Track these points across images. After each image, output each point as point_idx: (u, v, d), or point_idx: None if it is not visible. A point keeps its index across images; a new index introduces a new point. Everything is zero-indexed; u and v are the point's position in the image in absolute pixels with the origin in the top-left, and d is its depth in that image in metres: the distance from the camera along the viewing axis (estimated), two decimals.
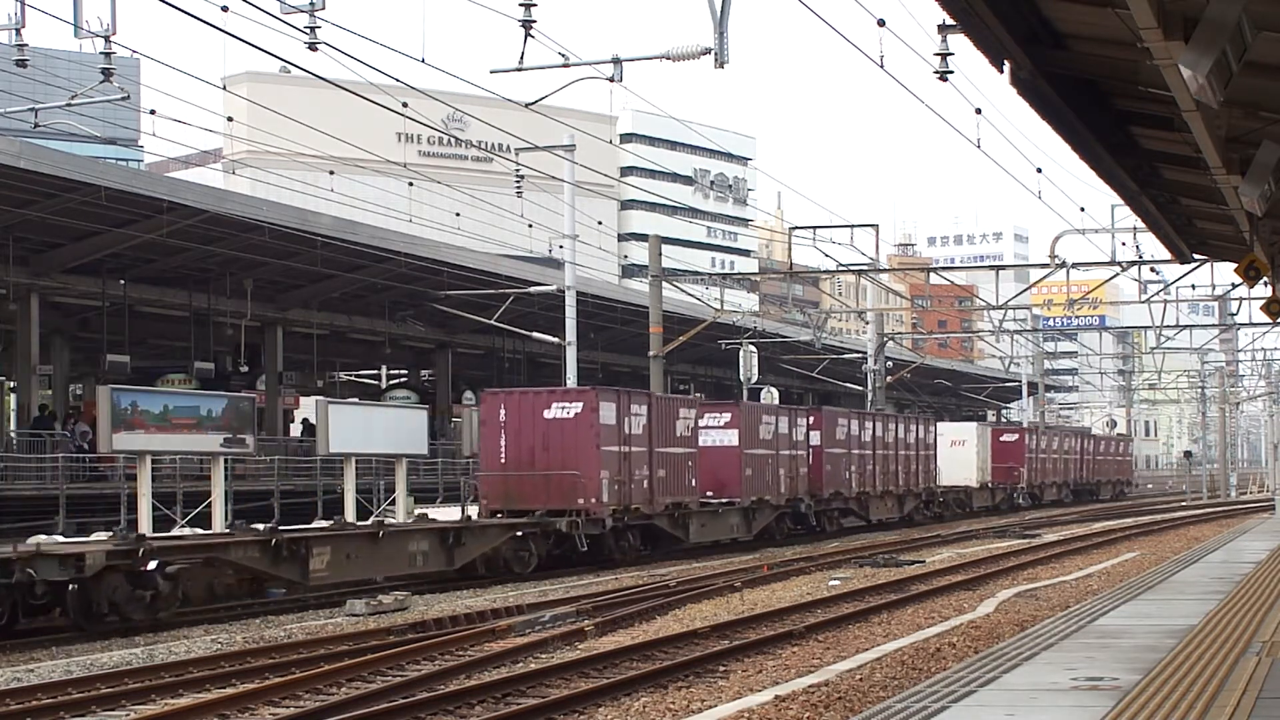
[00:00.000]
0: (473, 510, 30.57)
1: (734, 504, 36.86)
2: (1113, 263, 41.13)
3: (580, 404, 30.52)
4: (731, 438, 36.95)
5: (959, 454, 57.50)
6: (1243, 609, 15.35)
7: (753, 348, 48.95)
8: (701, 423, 35.95)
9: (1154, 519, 50.99)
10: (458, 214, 47.61)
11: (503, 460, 30.66)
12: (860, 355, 56.11)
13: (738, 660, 15.96)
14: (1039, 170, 52.11)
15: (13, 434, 35.15)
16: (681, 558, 33.18)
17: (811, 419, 42.35)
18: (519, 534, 29.18)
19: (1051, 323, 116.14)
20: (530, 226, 45.27)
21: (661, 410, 33.10)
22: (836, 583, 25.84)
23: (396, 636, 18.52)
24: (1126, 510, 63.15)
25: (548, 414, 30.51)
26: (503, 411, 30.81)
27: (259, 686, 14.50)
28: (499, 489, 30.62)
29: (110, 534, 21.95)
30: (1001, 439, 62.73)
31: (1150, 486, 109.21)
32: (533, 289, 39.81)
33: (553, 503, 30.09)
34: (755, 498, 37.88)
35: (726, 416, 37.36)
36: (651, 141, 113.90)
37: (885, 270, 54.53)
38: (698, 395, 34.78)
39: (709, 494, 36.04)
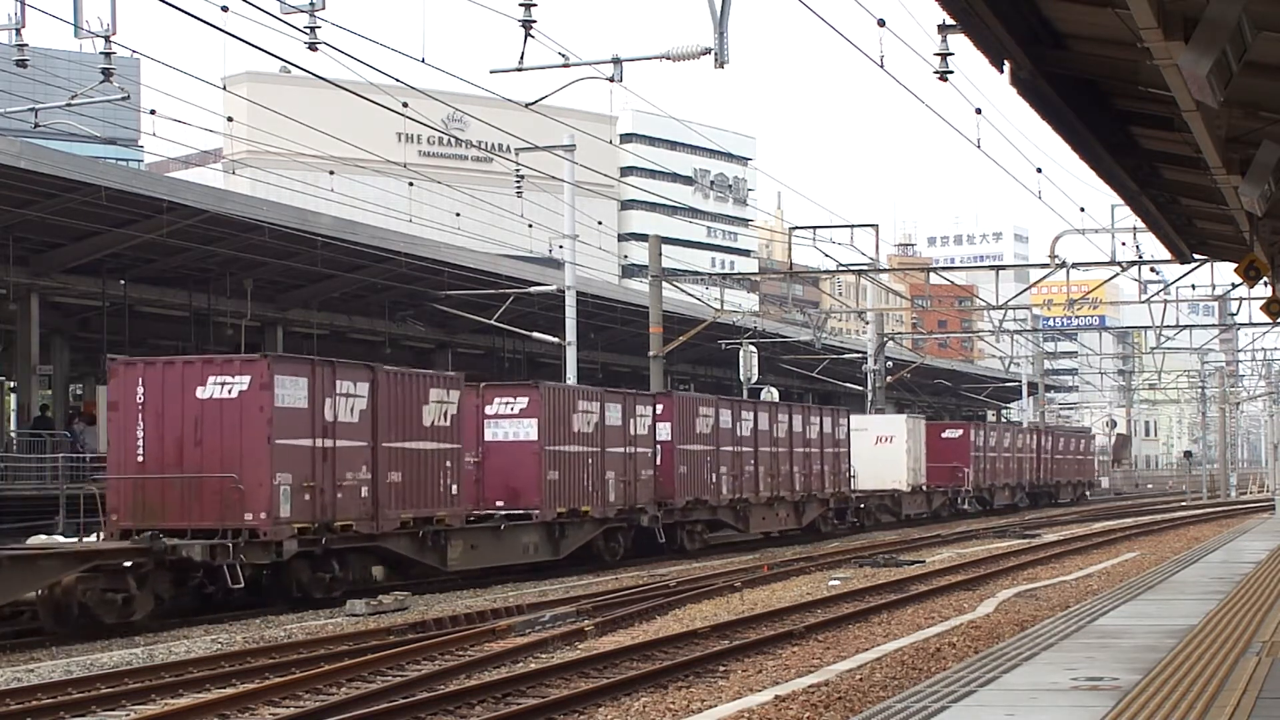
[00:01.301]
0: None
1: (530, 517, 28.57)
2: (1113, 263, 41.18)
3: (247, 378, 22.14)
4: (528, 430, 28.78)
5: (885, 452, 49.14)
6: (1243, 609, 15.35)
7: (753, 348, 48.99)
8: (488, 410, 28.77)
9: (1154, 519, 51.01)
10: (458, 214, 47.66)
11: (140, 459, 22.39)
12: (860, 355, 56.15)
13: (738, 660, 15.96)
14: (1039, 170, 52.17)
15: (13, 434, 35.15)
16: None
17: (660, 407, 33.75)
18: (125, 565, 20.56)
19: (1051, 323, 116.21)
20: (530, 226, 45.28)
21: (395, 390, 24.70)
22: (836, 583, 25.85)
23: (396, 636, 18.51)
24: (1126, 510, 63.11)
25: (202, 393, 22.22)
26: (140, 389, 22.48)
27: (259, 686, 14.49)
28: (131, 499, 22.32)
29: None
30: (943, 435, 55.70)
31: (1150, 486, 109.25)
32: (533, 289, 39.84)
33: (204, 518, 21.89)
34: (565, 509, 29.39)
35: (522, 402, 28.94)
36: (651, 141, 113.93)
37: (885, 270, 54.58)
38: (459, 374, 27.53)
39: (499, 504, 28.47)
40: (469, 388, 27.72)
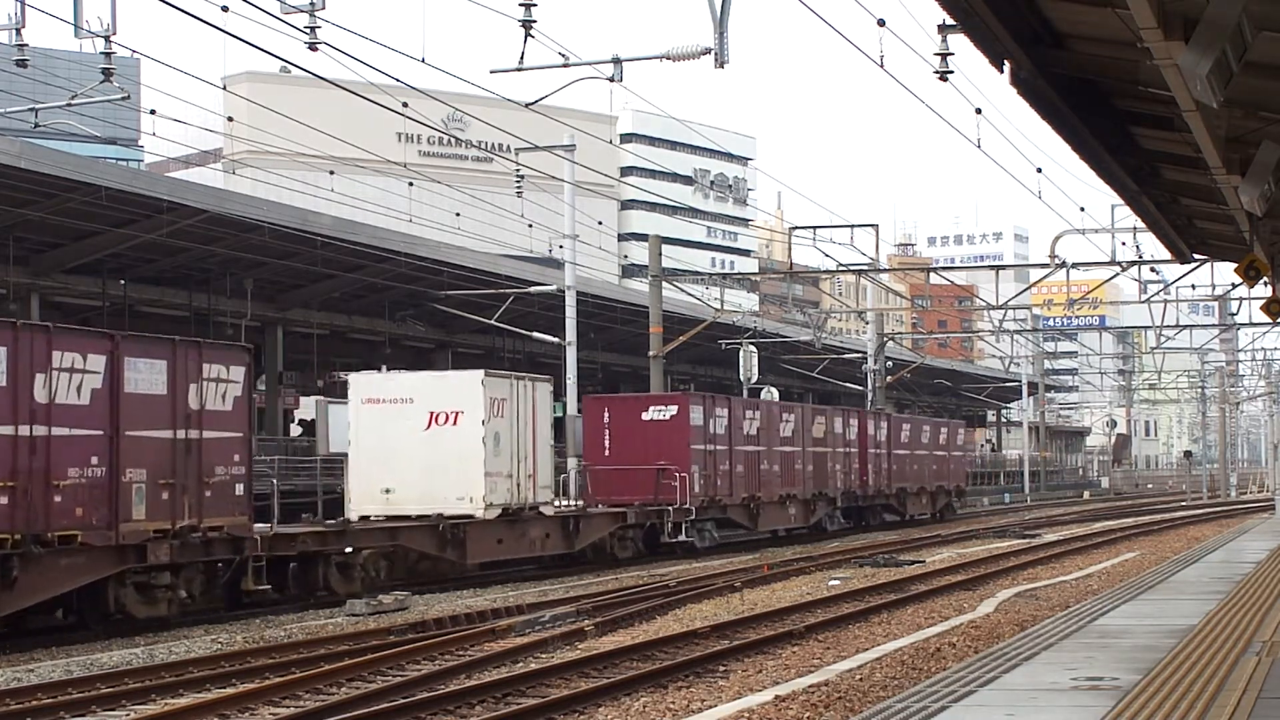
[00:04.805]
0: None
1: None
2: (1113, 263, 41.18)
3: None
4: None
5: (444, 443, 26.49)
6: (1243, 609, 15.35)
7: (753, 348, 48.97)
8: None
9: (1154, 519, 51.00)
10: (458, 214, 47.66)
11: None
12: (860, 355, 56.14)
13: (738, 660, 15.96)
14: (1039, 170, 51.96)
15: None
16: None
17: None
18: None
19: (1051, 323, 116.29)
20: (530, 226, 45.27)
21: None
22: (836, 583, 25.84)
23: (396, 636, 18.51)
24: (1126, 510, 63.07)
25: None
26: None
27: (259, 686, 14.49)
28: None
29: None
30: (643, 417, 33.37)
31: (1150, 486, 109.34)
32: (533, 289, 39.84)
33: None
34: None
35: None
36: (651, 141, 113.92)
37: (885, 270, 54.61)
38: None
39: None
40: None
